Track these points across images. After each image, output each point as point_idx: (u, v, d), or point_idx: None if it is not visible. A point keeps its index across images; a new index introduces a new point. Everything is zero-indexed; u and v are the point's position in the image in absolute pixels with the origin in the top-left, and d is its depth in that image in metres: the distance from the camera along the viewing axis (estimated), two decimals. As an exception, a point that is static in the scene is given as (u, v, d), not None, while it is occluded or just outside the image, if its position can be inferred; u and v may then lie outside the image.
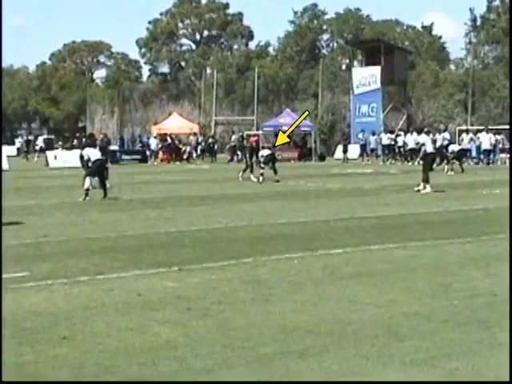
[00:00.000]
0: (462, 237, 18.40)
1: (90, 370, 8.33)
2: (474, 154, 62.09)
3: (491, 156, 61.46)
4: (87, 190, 28.12)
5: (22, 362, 8.58)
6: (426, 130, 37.53)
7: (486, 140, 61.70)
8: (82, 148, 32.14)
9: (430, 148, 32.41)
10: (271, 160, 39.78)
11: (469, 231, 19.41)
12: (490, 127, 63.81)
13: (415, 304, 11.31)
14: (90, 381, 6.31)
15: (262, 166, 39.32)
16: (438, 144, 56.84)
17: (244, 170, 40.89)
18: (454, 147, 49.44)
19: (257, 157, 40.39)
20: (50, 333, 9.82)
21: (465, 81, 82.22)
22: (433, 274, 13.67)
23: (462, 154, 50.78)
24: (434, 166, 34.41)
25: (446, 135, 56.83)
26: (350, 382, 5.86)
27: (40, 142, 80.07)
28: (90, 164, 28.71)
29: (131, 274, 13.74)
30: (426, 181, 30.79)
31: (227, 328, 10.03)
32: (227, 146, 72.19)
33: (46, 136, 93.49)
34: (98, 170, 28.63)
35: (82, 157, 29.60)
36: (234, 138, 71.24)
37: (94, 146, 32.24)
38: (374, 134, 67.82)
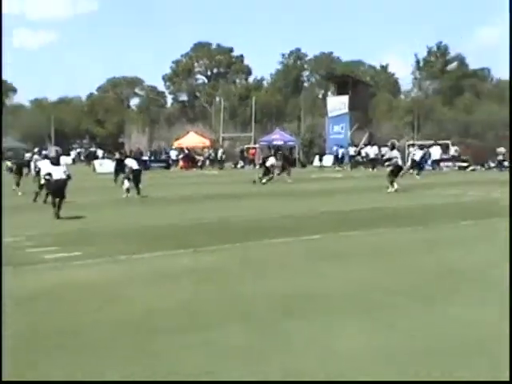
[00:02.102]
0: (411, 226, 18.41)
1: (125, 325, 8.36)
2: (429, 162, 61.62)
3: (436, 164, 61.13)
4: (128, 189, 28.16)
5: (76, 320, 8.61)
6: (395, 144, 37.07)
7: (436, 152, 61.49)
8: (125, 158, 32.38)
9: (400, 161, 32.05)
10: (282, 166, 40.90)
11: (415, 222, 19.40)
12: (438, 142, 63.76)
13: (376, 279, 11.31)
14: (90, 380, 6.23)
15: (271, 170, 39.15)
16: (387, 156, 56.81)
17: (267, 177, 39.35)
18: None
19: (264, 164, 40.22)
20: (99, 297, 9.88)
21: (411, 107, 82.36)
22: (390, 255, 13.67)
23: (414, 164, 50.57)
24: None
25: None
26: (349, 381, 5.77)
27: (100, 153, 79.99)
28: (126, 169, 29.00)
29: (158, 254, 13.75)
30: (391, 183, 30.61)
31: (230, 295, 10.06)
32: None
33: (98, 149, 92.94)
34: (135, 175, 28.70)
35: (125, 165, 29.67)
36: (220, 152, 70.85)
37: (134, 157, 32.64)
38: (341, 147, 68.06)
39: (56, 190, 20.52)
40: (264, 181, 37.88)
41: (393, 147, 34.43)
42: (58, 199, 20.33)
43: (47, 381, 6.12)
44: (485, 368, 6.85)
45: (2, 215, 17.55)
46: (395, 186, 30.54)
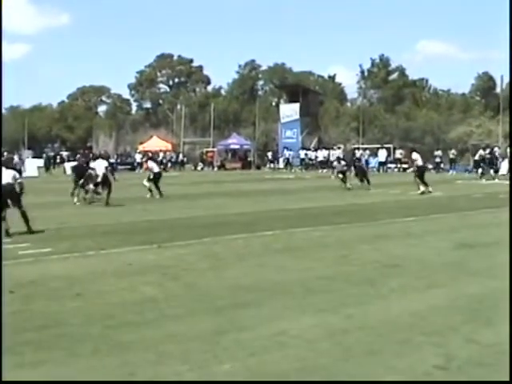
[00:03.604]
0: (357, 222, 18.54)
1: (96, 317, 8.29)
2: (372, 164, 61.92)
3: (385, 166, 61.36)
4: (150, 189, 28.12)
5: (49, 312, 8.54)
6: (415, 148, 34.51)
7: (383, 155, 61.84)
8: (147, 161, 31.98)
9: (420, 162, 30.28)
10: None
11: (361, 218, 19.53)
12: (385, 146, 64.13)
13: (324, 269, 11.36)
14: (92, 380, 6.11)
15: (337, 174, 34.29)
16: (332, 159, 56.99)
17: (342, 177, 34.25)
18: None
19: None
20: (68, 290, 9.77)
21: (357, 114, 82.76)
22: (337, 248, 13.73)
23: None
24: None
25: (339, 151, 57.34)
26: (342, 381, 5.81)
27: (65, 156, 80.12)
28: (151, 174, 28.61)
29: (124, 250, 13.67)
30: (421, 184, 29.23)
31: (192, 287, 10.02)
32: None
33: (64, 152, 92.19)
34: (156, 177, 28.55)
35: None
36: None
37: (155, 161, 32.27)
38: (290, 150, 68.75)
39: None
40: (348, 185, 32.78)
41: (413, 150, 32.44)
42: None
43: (47, 381, 5.97)
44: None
45: (1, 215, 17.25)
46: (424, 188, 29.17)
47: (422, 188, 28.93)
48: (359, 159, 36.63)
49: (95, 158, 30.70)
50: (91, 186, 25.16)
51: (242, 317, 8.25)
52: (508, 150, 50.61)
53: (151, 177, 28.39)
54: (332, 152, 62.80)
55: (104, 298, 9.32)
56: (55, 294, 9.58)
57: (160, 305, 8.90)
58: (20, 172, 37.72)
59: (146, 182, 28.40)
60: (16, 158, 43.17)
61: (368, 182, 33.55)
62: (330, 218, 19.73)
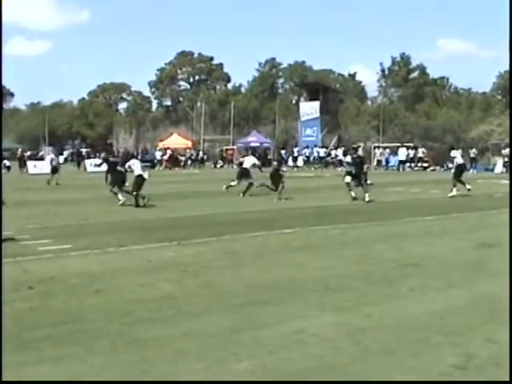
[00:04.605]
0: (375, 220, 18.46)
1: (114, 314, 8.31)
2: (392, 163, 61.71)
3: (405, 164, 60.92)
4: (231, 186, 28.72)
5: (68, 308, 8.57)
6: (454, 147, 32.28)
7: (403, 153, 61.45)
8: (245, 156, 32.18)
9: (460, 160, 28.31)
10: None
11: (379, 217, 19.46)
12: (405, 144, 63.73)
13: (342, 267, 11.33)
14: (89, 380, 6.11)
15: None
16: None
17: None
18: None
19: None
20: (87, 287, 9.80)
21: (377, 112, 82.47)
22: (355, 247, 13.69)
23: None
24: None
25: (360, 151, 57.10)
26: (341, 382, 5.82)
27: (84, 152, 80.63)
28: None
29: (144, 247, 13.68)
30: (454, 185, 27.29)
31: (211, 285, 10.01)
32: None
33: (84, 149, 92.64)
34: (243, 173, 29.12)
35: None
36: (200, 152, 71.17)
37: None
38: (307, 147, 68.78)
39: None
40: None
41: (452, 148, 30.81)
42: None
43: (47, 381, 6.00)
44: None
45: (1, 211, 17.23)
46: (456, 190, 27.06)
47: (454, 191, 27.04)
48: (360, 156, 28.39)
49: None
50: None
51: (261, 315, 8.25)
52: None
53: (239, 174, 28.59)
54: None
55: (123, 295, 9.34)
56: (74, 291, 9.62)
57: (178, 302, 8.91)
58: (57, 169, 38.06)
59: (235, 181, 28.81)
60: (52, 154, 43.83)
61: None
62: (348, 216, 19.66)
